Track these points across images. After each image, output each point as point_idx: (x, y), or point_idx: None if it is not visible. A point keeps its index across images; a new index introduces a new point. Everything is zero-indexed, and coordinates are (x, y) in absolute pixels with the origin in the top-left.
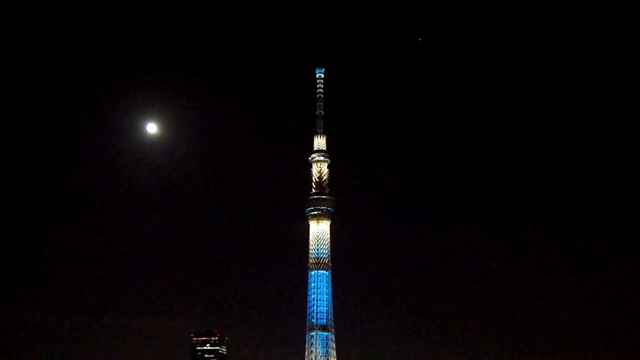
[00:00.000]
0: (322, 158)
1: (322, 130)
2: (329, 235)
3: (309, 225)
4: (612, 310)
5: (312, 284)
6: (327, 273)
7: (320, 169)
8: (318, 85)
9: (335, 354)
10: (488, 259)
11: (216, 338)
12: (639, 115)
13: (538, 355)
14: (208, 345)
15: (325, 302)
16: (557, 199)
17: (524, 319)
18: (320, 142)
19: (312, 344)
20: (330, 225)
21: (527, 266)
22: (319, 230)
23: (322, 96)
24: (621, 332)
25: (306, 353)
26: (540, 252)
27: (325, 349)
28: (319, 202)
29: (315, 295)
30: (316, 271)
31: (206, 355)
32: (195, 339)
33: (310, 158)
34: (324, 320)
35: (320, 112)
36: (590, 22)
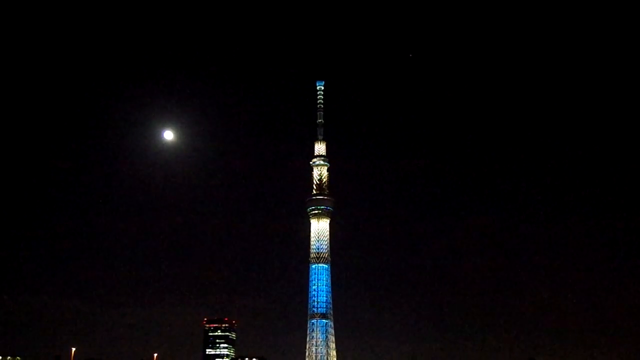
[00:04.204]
0: (322, 162)
1: (322, 137)
2: (328, 232)
3: (310, 223)
4: (602, 302)
5: (313, 277)
6: (327, 266)
7: (320, 172)
8: (319, 96)
9: (334, 340)
10: (476, 253)
11: (226, 325)
12: (637, 115)
13: (531, 346)
14: (219, 331)
15: (325, 293)
16: (550, 197)
17: (514, 310)
18: (320, 147)
19: (313, 330)
20: (330, 223)
21: (518, 261)
22: (320, 228)
23: (322, 106)
24: (612, 325)
25: (308, 338)
26: (533, 247)
27: (325, 335)
28: (320, 202)
29: (315, 286)
30: (317, 265)
31: (217, 340)
32: (207, 325)
33: (311, 162)
34: (324, 309)
35: (320, 120)
36: (575, 38)
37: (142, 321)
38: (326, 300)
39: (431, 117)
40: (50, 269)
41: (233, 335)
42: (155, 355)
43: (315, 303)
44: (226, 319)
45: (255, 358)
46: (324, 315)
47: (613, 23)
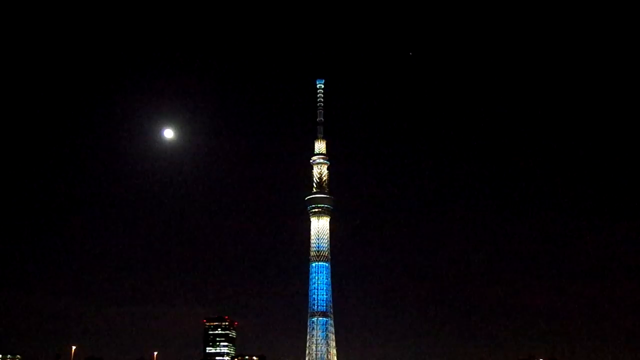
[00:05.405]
0: (322, 160)
1: (322, 135)
2: (328, 231)
3: (310, 222)
4: (602, 302)
5: (313, 275)
6: (327, 265)
7: (320, 170)
8: (319, 95)
9: (334, 338)
10: (474, 251)
11: (226, 323)
12: (636, 115)
13: (531, 346)
14: (219, 329)
15: (325, 291)
16: (551, 196)
17: (514, 308)
18: (320, 146)
19: (313, 328)
20: (330, 221)
21: (519, 260)
22: (320, 226)
23: (322, 104)
24: (613, 324)
25: (308, 337)
26: (533, 248)
27: (325, 333)
28: (320, 200)
29: (316, 284)
30: (317, 263)
31: (217, 339)
32: (207, 323)
33: (311, 160)
34: (324, 307)
35: (320, 119)
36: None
37: (142, 319)
38: (326, 298)
39: (431, 116)
40: (50, 268)
41: (233, 334)
42: (156, 353)
43: (316, 301)
44: (226, 317)
45: (256, 356)
46: (324, 314)
47: (613, 23)
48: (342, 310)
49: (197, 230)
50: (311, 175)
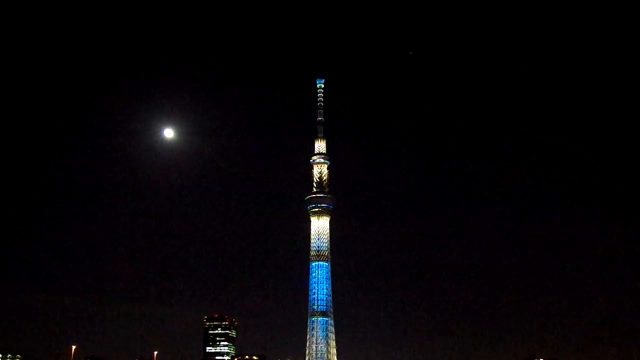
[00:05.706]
0: (322, 160)
1: (322, 135)
2: (328, 230)
3: (310, 221)
4: (602, 302)
5: (313, 274)
6: (327, 264)
7: (320, 170)
8: (319, 94)
9: (334, 337)
10: (474, 252)
11: (226, 323)
12: (636, 115)
13: (531, 345)
14: (219, 329)
15: (325, 291)
16: (551, 197)
17: (514, 308)
18: (320, 145)
19: (313, 328)
20: (330, 221)
21: (519, 260)
22: (320, 226)
23: (323, 104)
24: (613, 324)
25: (308, 336)
26: (533, 248)
27: (325, 332)
28: (320, 200)
29: (316, 284)
30: (317, 263)
31: (217, 338)
32: (207, 323)
33: (311, 160)
34: (324, 307)
35: (320, 118)
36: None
37: (142, 319)
38: (326, 298)
39: (431, 115)
40: (50, 268)
41: (233, 333)
42: (156, 353)
43: (316, 301)
44: (226, 316)
45: (256, 356)
46: (324, 313)
47: (613, 23)
48: (342, 310)
49: (197, 230)
50: (311, 175)
